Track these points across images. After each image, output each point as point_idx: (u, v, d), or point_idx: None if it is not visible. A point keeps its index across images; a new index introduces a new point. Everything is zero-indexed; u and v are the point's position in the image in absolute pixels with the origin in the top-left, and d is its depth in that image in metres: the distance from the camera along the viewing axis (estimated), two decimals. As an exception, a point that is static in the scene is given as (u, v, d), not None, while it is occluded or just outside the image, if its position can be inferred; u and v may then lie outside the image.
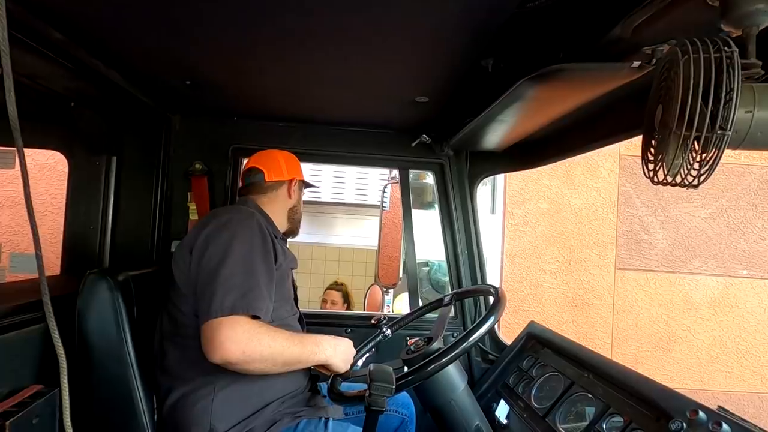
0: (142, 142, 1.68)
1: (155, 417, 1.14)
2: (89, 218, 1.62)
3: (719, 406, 0.98)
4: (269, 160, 1.39)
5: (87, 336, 1.08)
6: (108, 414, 1.09)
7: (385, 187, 2.43)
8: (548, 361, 1.44)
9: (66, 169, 1.66)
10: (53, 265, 1.88)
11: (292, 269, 1.37)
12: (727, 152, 0.62)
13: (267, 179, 1.35)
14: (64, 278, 1.59)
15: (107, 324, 1.08)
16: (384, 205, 2.42)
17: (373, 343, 1.37)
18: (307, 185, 1.51)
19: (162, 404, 1.14)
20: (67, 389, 0.75)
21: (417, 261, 1.86)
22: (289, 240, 1.48)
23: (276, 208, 1.36)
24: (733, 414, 0.94)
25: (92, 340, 1.07)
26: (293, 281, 1.41)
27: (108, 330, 1.08)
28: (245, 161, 1.48)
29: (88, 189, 1.63)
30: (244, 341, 0.99)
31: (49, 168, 2.73)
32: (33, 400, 0.94)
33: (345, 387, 1.24)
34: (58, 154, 1.69)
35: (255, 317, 1.03)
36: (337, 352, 1.16)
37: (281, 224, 1.38)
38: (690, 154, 0.60)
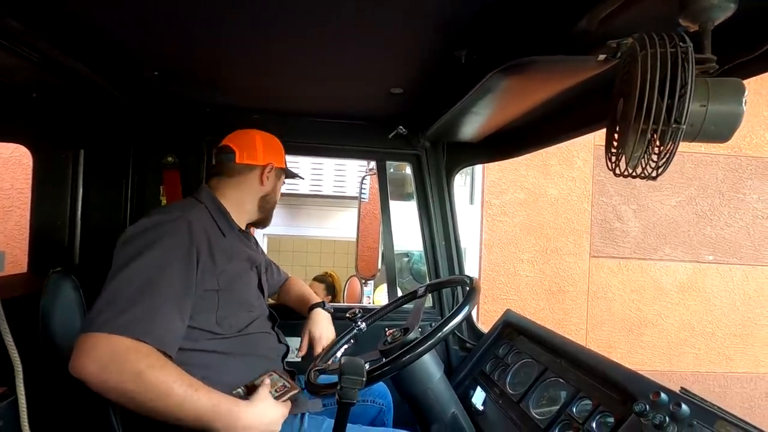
0: (111, 134, 1.63)
1: (122, 417, 1.12)
2: (56, 213, 1.57)
3: (682, 388, 1.02)
4: (245, 141, 1.28)
5: (51, 337, 1.04)
6: (74, 416, 1.06)
7: (364, 178, 2.42)
8: (523, 348, 1.47)
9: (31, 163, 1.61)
10: (21, 262, 1.82)
11: (258, 266, 1.28)
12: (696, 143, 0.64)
13: (237, 161, 1.24)
14: (30, 276, 1.54)
15: (72, 325, 1.05)
16: (363, 196, 2.42)
17: (347, 337, 1.37)
18: (289, 175, 1.38)
19: None
20: (23, 393, 0.73)
21: (398, 252, 1.86)
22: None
23: (244, 195, 1.25)
24: (695, 395, 0.98)
25: (56, 341, 1.04)
26: (264, 275, 1.33)
27: (73, 331, 1.04)
28: None
29: (54, 183, 1.57)
30: (103, 364, 0.85)
31: (14, 162, 2.62)
32: (-4, 403, 0.92)
33: (323, 379, 1.25)
34: (23, 147, 1.63)
35: (140, 341, 0.88)
36: (244, 426, 0.94)
37: (249, 212, 1.28)
38: (649, 147, 0.61)
